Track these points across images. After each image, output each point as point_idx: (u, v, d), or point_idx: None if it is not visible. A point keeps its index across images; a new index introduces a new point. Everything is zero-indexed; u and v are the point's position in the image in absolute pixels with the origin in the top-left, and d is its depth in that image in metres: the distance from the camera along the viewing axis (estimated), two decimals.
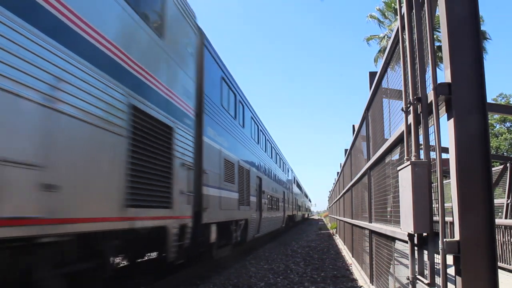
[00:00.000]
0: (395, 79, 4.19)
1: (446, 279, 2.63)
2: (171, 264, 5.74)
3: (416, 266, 3.17)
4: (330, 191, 39.96)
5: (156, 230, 5.13)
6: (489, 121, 7.90)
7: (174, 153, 5.58)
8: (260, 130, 14.02)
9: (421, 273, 3.08)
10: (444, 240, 2.54)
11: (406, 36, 3.36)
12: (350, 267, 9.28)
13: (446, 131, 2.70)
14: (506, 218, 11.13)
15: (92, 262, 4.13)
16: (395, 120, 4.06)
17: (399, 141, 3.87)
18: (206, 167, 7.05)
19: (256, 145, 12.86)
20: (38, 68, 3.03)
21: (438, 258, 2.70)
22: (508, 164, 11.59)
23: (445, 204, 2.75)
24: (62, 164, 3.27)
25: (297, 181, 33.38)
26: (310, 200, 70.59)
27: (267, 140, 15.77)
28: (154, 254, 7.52)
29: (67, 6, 3.44)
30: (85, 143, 3.62)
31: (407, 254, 3.35)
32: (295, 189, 29.88)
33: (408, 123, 3.27)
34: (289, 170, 25.69)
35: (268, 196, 15.02)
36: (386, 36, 22.72)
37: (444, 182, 2.84)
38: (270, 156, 16.30)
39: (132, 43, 4.60)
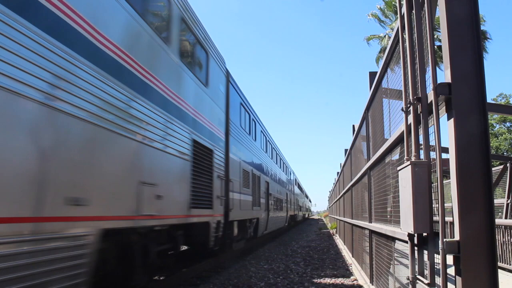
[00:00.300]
0: (395, 79, 4.19)
1: (446, 279, 2.63)
2: (211, 249, 7.65)
3: (416, 266, 3.17)
4: (330, 191, 39.98)
5: (202, 224, 7.01)
6: (489, 121, 7.90)
7: (214, 168, 7.51)
8: (267, 140, 16.27)
9: (421, 273, 3.08)
10: (444, 240, 2.54)
11: (406, 36, 3.36)
12: (350, 267, 9.28)
13: (446, 131, 2.70)
14: (506, 218, 11.13)
15: (170, 244, 6.12)
16: (395, 120, 4.06)
17: (399, 141, 3.87)
18: (231, 177, 9.02)
19: (264, 154, 15.02)
20: (163, 131, 5.27)
21: (438, 258, 2.70)
22: (508, 164, 11.59)
23: (445, 204, 2.75)
24: (164, 182, 5.21)
25: (298, 182, 35.36)
26: (310, 201, 71.94)
27: (273, 148, 18.05)
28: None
29: (162, 83, 5.29)
30: (174, 168, 5.64)
31: (407, 254, 3.35)
32: (297, 191, 31.81)
33: (408, 123, 3.27)
34: (291, 173, 27.65)
35: (274, 198, 16.97)
36: (386, 35, 22.72)
37: (444, 182, 2.83)
38: (275, 162, 18.39)
39: (192, 95, 6.57)
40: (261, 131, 14.56)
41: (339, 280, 7.65)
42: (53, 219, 3.09)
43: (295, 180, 31.53)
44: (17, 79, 2.79)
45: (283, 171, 22.06)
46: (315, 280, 7.70)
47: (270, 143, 16.92)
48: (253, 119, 12.70)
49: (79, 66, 3.49)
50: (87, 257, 3.49)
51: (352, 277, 7.93)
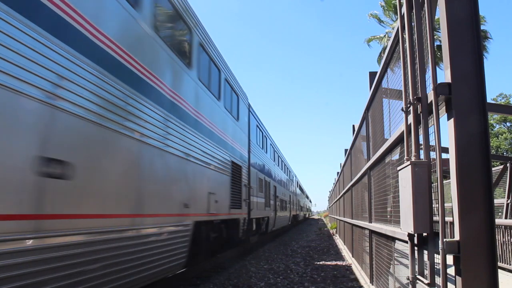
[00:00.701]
0: (395, 79, 4.19)
1: (446, 279, 2.63)
2: (239, 240, 10.20)
3: (416, 266, 3.17)
4: (330, 191, 40.00)
5: (235, 220, 9.59)
6: (489, 121, 7.89)
7: (242, 179, 10.16)
8: (275, 150, 19.30)
9: (421, 273, 3.08)
10: (444, 240, 2.54)
11: (406, 36, 3.36)
12: (350, 267, 9.28)
13: (446, 131, 2.70)
14: (506, 218, 11.13)
15: (217, 234, 8.38)
16: (395, 120, 4.06)
17: (399, 141, 3.87)
18: (251, 184, 11.67)
19: (273, 163, 17.90)
20: (219, 149, 8.05)
21: (438, 258, 2.70)
22: (508, 164, 11.59)
23: (445, 204, 2.75)
24: (218, 191, 7.76)
25: (299, 184, 38.51)
26: (310, 201, 72.57)
27: (279, 156, 21.04)
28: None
29: (206, 119, 7.24)
30: (222, 181, 8.25)
31: (407, 254, 3.35)
32: (298, 192, 34.86)
33: (408, 123, 3.27)
34: (293, 176, 30.48)
35: (280, 200, 19.84)
36: (386, 35, 22.69)
37: (444, 182, 2.83)
38: (280, 168, 21.29)
39: (231, 130, 9.25)
40: (270, 144, 17.64)
41: (339, 280, 7.66)
42: (180, 215, 5.79)
43: (297, 182, 34.08)
44: (147, 135, 4.77)
45: (287, 175, 24.85)
46: (315, 280, 7.71)
47: (276, 152, 19.94)
48: (265, 136, 15.81)
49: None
50: (190, 236, 6.08)
51: (352, 277, 7.93)
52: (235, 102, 10.02)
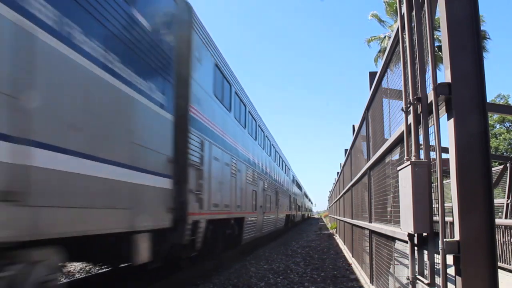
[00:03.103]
0: (395, 79, 4.19)
1: (446, 279, 2.63)
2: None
3: (416, 266, 3.17)
4: (330, 191, 40.02)
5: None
6: (489, 121, 7.88)
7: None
8: (280, 156, 20.19)
9: (421, 273, 3.08)
10: (444, 240, 2.54)
11: (406, 36, 3.36)
12: (350, 267, 9.28)
13: (446, 131, 2.70)
14: (506, 218, 11.13)
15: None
16: (395, 120, 4.06)
17: (399, 141, 3.87)
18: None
19: (278, 168, 19.19)
20: None
21: (438, 258, 2.70)
22: (508, 164, 11.59)
23: (445, 204, 2.75)
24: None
25: (300, 186, 39.11)
26: (311, 201, 72.46)
27: (283, 161, 21.97)
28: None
29: None
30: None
31: (407, 254, 3.35)
32: (299, 193, 35.87)
33: (408, 123, 3.27)
34: (295, 179, 31.61)
35: (284, 201, 21.18)
36: (386, 37, 22.68)
37: (444, 182, 2.83)
38: (285, 173, 22.56)
39: (272, 168, 15.94)
40: (276, 151, 18.76)
41: (339, 280, 7.66)
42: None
43: (298, 184, 35.56)
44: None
45: (290, 179, 26.23)
46: (315, 280, 7.70)
47: (282, 159, 21.36)
48: (276, 151, 18.33)
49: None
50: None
51: (352, 277, 7.93)
52: (268, 144, 14.88)
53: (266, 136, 14.67)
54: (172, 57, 5.40)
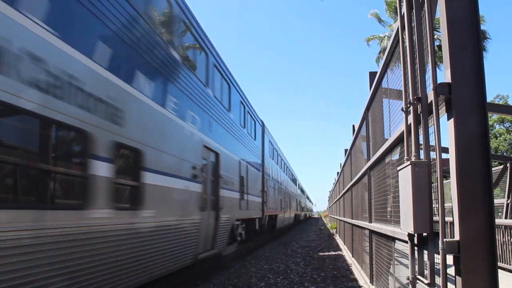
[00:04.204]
0: (395, 79, 4.18)
1: (446, 279, 2.63)
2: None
3: (416, 266, 3.17)
4: (330, 191, 40.03)
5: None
6: (489, 122, 7.88)
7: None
8: (292, 173, 25.40)
9: (421, 273, 3.07)
10: (444, 240, 2.54)
11: (406, 36, 3.36)
12: (350, 267, 9.28)
13: (446, 131, 2.70)
14: (506, 218, 11.12)
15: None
16: (395, 120, 4.06)
17: (399, 141, 3.87)
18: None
19: (291, 182, 23.41)
20: None
21: (438, 258, 2.70)
22: (508, 164, 11.58)
23: (445, 204, 2.75)
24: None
25: (302, 188, 43.41)
26: (311, 202, 74.10)
27: (287, 167, 25.39)
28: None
29: None
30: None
31: (407, 254, 3.35)
32: (301, 194, 40.09)
33: (408, 123, 3.27)
34: (298, 183, 35.88)
35: (287, 202, 24.04)
36: (386, 36, 22.67)
37: (444, 182, 2.83)
38: (295, 184, 26.98)
39: (284, 180, 23.46)
40: (281, 158, 22.04)
41: (339, 280, 7.65)
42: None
43: (301, 187, 39.54)
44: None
45: (292, 181, 29.17)
46: (315, 280, 7.70)
47: (286, 165, 24.66)
48: (289, 170, 22.78)
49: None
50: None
51: (352, 277, 7.93)
52: (276, 156, 19.32)
53: (285, 164, 24.26)
54: (261, 151, 14.52)
